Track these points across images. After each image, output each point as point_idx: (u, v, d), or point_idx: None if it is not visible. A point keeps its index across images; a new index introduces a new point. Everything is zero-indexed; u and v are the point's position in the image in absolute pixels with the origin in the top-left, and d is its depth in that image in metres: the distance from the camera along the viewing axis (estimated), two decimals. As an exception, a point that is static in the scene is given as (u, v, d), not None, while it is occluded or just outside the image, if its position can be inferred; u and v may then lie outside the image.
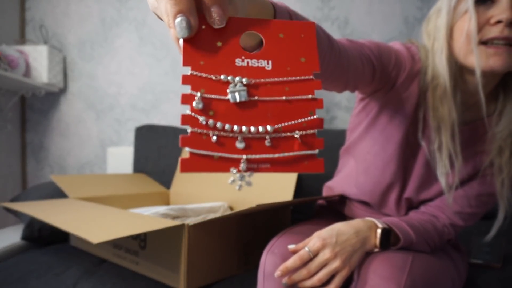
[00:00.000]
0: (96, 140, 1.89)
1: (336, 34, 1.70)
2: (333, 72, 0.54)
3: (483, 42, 0.60)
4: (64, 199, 1.14)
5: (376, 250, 0.65)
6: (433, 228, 0.71)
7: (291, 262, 0.61)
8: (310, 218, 1.05)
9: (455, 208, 0.72)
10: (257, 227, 0.97)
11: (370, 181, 0.77)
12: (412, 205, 0.78)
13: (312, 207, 1.08)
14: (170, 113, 1.88)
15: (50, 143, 1.89)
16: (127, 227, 0.78)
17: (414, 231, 0.66)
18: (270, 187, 1.10)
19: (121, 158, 1.71)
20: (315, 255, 0.61)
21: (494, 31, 0.58)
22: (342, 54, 0.54)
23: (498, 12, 0.57)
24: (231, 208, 1.19)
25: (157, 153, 1.58)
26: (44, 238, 1.13)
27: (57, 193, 1.23)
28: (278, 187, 1.09)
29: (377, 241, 0.64)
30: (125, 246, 0.93)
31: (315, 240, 0.62)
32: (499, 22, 0.57)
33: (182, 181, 1.41)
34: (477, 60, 0.59)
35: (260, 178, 1.14)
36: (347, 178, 0.84)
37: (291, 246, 0.65)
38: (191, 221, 0.96)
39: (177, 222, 0.80)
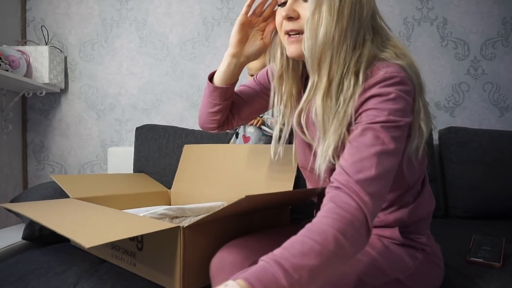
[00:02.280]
0: (96, 140, 1.89)
1: (336, 34, 1.70)
2: None
3: (288, 34, 0.72)
4: (64, 199, 1.14)
5: None
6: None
7: None
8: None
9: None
10: (254, 226, 0.96)
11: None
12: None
13: (310, 206, 1.08)
14: (170, 113, 1.89)
15: (51, 143, 1.90)
16: (122, 230, 0.78)
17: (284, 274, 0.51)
18: (270, 189, 1.11)
19: (121, 158, 1.71)
20: None
21: (285, 25, 0.72)
22: None
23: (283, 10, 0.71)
24: (231, 208, 1.19)
25: (157, 153, 1.58)
26: (45, 238, 1.13)
27: (58, 193, 1.23)
28: (278, 188, 1.09)
29: None
30: (123, 247, 0.93)
31: None
32: (286, 17, 0.71)
33: (183, 181, 1.41)
34: (286, 48, 0.74)
35: (261, 178, 1.14)
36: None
37: None
38: (189, 221, 0.96)
39: (172, 224, 0.80)
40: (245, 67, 1.20)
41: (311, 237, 0.53)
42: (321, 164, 0.68)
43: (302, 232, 0.55)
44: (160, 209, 1.00)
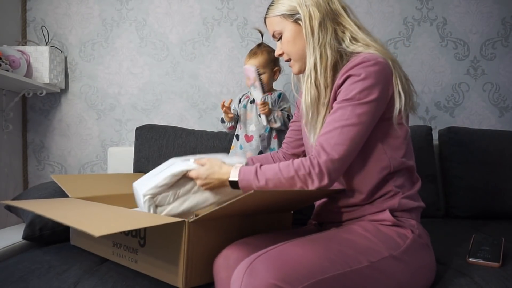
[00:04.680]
0: (97, 140, 1.89)
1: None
2: None
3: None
4: (65, 198, 1.14)
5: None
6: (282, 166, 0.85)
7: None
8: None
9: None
10: (258, 227, 0.97)
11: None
12: None
13: (311, 208, 1.09)
14: (170, 113, 1.89)
15: (51, 143, 1.90)
16: (128, 222, 0.78)
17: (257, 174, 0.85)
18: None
19: (121, 158, 1.72)
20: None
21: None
22: None
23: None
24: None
25: (157, 153, 1.58)
26: (45, 238, 1.13)
27: (58, 193, 1.23)
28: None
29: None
30: (125, 244, 0.93)
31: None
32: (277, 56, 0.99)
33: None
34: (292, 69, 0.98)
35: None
36: None
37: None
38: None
39: (177, 219, 0.80)
40: (239, 65, 1.23)
41: (280, 167, 0.84)
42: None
43: (279, 163, 0.85)
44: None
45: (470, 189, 1.53)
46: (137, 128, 1.65)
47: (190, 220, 0.80)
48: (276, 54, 0.98)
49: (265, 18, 0.97)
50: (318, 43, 0.87)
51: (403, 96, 0.85)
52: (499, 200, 1.51)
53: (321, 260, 0.70)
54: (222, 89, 1.88)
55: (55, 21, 1.88)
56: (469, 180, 1.54)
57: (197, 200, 0.97)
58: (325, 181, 0.81)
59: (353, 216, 0.90)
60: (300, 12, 0.88)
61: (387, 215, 0.85)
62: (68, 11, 1.88)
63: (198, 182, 0.93)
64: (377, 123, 0.85)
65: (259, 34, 1.50)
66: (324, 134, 0.83)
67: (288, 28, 0.91)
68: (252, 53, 1.49)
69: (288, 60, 0.96)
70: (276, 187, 0.84)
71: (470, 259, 0.95)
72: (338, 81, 0.85)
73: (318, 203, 1.02)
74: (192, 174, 0.93)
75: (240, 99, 1.55)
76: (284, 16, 0.91)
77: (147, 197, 0.93)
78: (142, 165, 1.59)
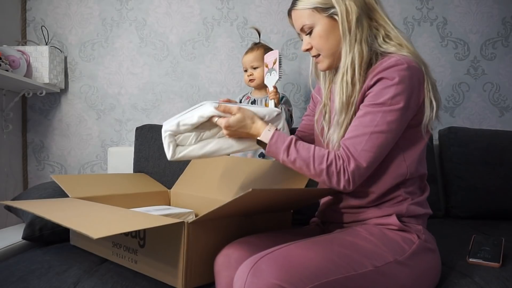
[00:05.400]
0: (97, 140, 1.89)
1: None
2: None
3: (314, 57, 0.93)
4: (65, 198, 1.14)
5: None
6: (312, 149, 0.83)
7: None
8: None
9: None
10: (257, 226, 0.97)
11: None
12: None
13: (312, 208, 1.09)
14: (170, 113, 1.89)
15: (51, 143, 1.90)
16: (127, 224, 0.78)
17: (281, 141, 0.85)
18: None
19: (121, 158, 1.71)
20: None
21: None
22: None
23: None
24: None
25: (157, 153, 1.58)
26: (45, 238, 1.13)
27: (58, 193, 1.23)
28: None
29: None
30: (124, 245, 0.93)
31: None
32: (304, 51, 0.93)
33: (186, 182, 1.41)
34: (318, 65, 0.93)
35: (268, 179, 1.14)
36: None
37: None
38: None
39: (176, 220, 0.80)
40: (239, 65, 1.20)
41: (315, 153, 0.81)
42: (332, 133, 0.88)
43: (315, 148, 0.83)
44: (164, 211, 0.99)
45: (470, 189, 1.53)
46: (137, 128, 1.64)
47: (189, 221, 0.80)
48: (302, 49, 0.92)
49: (290, 10, 0.91)
50: (356, 40, 0.82)
51: (435, 104, 0.82)
52: (499, 200, 1.51)
53: (325, 263, 0.70)
54: (222, 89, 1.88)
55: (55, 21, 1.88)
56: (469, 180, 1.54)
57: (221, 145, 0.91)
58: (350, 188, 0.80)
59: (358, 219, 0.89)
60: (337, 6, 0.83)
61: (393, 219, 0.84)
62: (68, 11, 1.88)
63: (225, 131, 0.89)
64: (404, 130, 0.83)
65: (260, 34, 1.51)
66: (352, 138, 0.80)
67: (321, 23, 0.85)
68: (249, 49, 1.52)
69: (316, 56, 0.91)
70: (301, 170, 0.83)
71: (470, 259, 0.95)
72: (369, 82, 0.81)
73: (323, 201, 1.01)
74: (221, 122, 0.88)
75: (241, 100, 1.55)
76: (316, 9, 0.85)
77: (167, 133, 0.88)
78: (142, 165, 1.59)
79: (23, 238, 1.12)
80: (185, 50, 1.88)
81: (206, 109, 0.88)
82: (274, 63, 1.32)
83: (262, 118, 0.92)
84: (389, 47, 0.84)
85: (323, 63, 0.90)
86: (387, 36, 0.85)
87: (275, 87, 1.34)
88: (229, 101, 0.98)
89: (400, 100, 0.78)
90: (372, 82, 0.81)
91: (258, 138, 0.88)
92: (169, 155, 0.90)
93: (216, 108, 0.88)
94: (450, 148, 1.60)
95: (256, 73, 1.50)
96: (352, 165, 0.78)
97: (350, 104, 0.84)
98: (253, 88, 1.57)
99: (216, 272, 0.81)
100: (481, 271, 0.89)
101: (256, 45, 1.52)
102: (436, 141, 1.68)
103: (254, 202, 0.82)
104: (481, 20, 1.85)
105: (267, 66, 1.36)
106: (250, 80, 1.52)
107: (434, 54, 1.86)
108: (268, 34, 1.84)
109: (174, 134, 0.89)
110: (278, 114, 0.97)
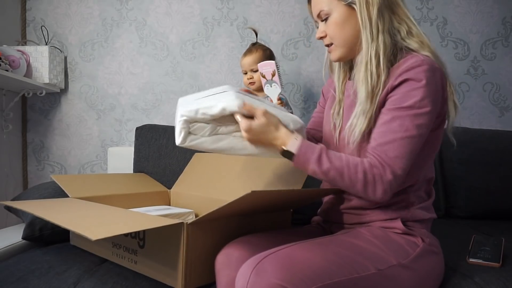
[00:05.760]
0: (97, 140, 1.89)
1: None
2: None
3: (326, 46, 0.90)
4: (65, 198, 1.14)
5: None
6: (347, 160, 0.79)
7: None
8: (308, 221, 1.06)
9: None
10: (257, 226, 0.97)
11: None
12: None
13: (312, 208, 1.08)
14: (170, 113, 1.89)
15: (51, 143, 1.90)
16: (126, 225, 0.78)
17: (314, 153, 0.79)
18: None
19: (121, 158, 1.71)
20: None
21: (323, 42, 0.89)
22: None
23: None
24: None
25: (157, 153, 1.58)
26: (45, 238, 1.13)
27: (58, 193, 1.23)
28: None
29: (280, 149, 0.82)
30: (124, 245, 0.93)
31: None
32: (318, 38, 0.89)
33: (186, 182, 1.41)
34: (330, 55, 0.90)
35: (269, 184, 1.14)
36: None
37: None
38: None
39: (176, 221, 0.80)
40: (239, 65, 1.18)
41: (349, 162, 0.77)
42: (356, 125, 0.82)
43: (346, 156, 0.79)
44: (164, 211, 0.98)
45: (470, 189, 1.53)
46: (137, 128, 1.64)
47: (188, 222, 0.80)
48: (317, 36, 0.89)
49: None
50: (378, 30, 0.80)
51: (458, 106, 0.82)
52: (499, 200, 1.51)
53: (329, 265, 0.69)
54: (222, 89, 1.87)
55: (55, 21, 1.88)
56: (469, 180, 1.54)
57: (234, 144, 0.84)
58: (386, 198, 0.78)
59: (361, 221, 0.88)
60: None
61: (398, 223, 0.83)
62: (68, 11, 1.88)
63: (245, 134, 0.80)
64: None
65: (260, 33, 1.50)
66: (382, 144, 0.77)
67: (338, 10, 0.83)
68: (247, 51, 1.50)
69: (329, 45, 0.88)
70: (333, 181, 0.79)
71: (470, 259, 0.95)
72: (393, 82, 0.79)
73: (326, 199, 0.99)
74: (243, 125, 0.79)
75: None
76: None
77: (183, 118, 0.81)
78: (142, 165, 1.59)
79: (23, 238, 1.12)
80: (185, 50, 1.88)
81: (230, 104, 0.79)
82: (273, 75, 1.30)
83: (286, 126, 0.85)
84: (412, 43, 0.81)
85: (335, 53, 0.87)
86: (409, 32, 0.82)
87: (279, 99, 1.33)
88: (250, 92, 0.91)
89: (428, 103, 0.76)
90: (396, 83, 0.78)
91: (284, 148, 0.81)
92: (178, 140, 0.82)
93: (242, 107, 0.80)
94: (450, 148, 1.60)
95: (256, 76, 1.49)
96: (388, 173, 0.75)
97: (374, 95, 0.80)
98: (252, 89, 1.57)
99: (216, 271, 0.81)
100: (481, 271, 0.89)
101: (254, 47, 1.51)
102: (436, 141, 1.68)
103: (253, 203, 0.82)
104: (481, 20, 1.85)
105: (264, 77, 1.34)
106: (250, 83, 1.51)
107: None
108: (268, 34, 1.84)
109: (190, 121, 0.81)
110: (302, 127, 0.90)
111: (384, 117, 0.79)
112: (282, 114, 0.87)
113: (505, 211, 1.51)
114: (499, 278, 0.85)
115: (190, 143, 0.82)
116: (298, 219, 1.20)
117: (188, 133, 0.82)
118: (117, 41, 1.88)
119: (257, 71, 1.45)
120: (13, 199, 1.33)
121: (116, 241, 0.95)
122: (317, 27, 0.89)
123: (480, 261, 0.94)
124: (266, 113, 0.81)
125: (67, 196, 1.15)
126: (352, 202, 0.89)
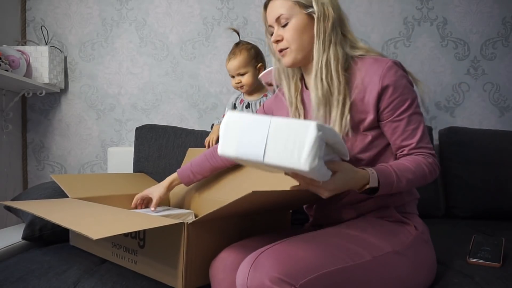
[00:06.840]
0: (96, 140, 1.89)
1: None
2: None
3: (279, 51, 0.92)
4: (65, 199, 1.14)
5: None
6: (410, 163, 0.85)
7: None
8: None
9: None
10: (257, 227, 0.97)
11: None
12: None
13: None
14: (170, 113, 1.89)
15: (51, 143, 1.90)
16: (126, 225, 0.78)
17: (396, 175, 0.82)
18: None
19: (121, 158, 1.71)
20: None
21: (276, 46, 0.92)
22: None
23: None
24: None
25: (157, 153, 1.58)
26: (45, 238, 1.13)
27: (58, 193, 1.23)
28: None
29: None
30: (124, 245, 0.93)
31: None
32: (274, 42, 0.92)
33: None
34: (283, 60, 0.92)
35: (267, 179, 1.14)
36: None
37: None
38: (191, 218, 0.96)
39: (176, 220, 0.80)
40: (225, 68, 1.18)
41: (413, 165, 0.83)
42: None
43: (402, 160, 0.85)
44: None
45: (470, 189, 1.53)
46: (137, 128, 1.64)
47: (188, 222, 0.80)
48: (272, 39, 0.91)
49: (269, 0, 0.92)
50: (330, 42, 0.87)
51: (419, 80, 0.93)
52: (499, 200, 1.51)
53: (324, 254, 0.71)
54: (222, 89, 1.88)
55: (55, 21, 1.88)
56: (469, 180, 1.54)
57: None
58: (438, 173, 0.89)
59: (356, 214, 0.90)
60: (315, 8, 0.86)
61: (391, 211, 0.87)
62: (67, 11, 1.88)
63: (326, 194, 0.73)
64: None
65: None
66: (415, 141, 0.86)
67: (299, 17, 0.87)
68: (231, 54, 1.40)
69: (283, 49, 0.90)
70: (411, 186, 0.86)
71: (471, 259, 0.95)
72: (377, 87, 0.85)
73: (314, 208, 1.00)
74: (327, 190, 0.73)
75: (234, 103, 1.48)
76: (298, 3, 0.87)
77: (320, 134, 0.63)
78: (142, 165, 1.59)
79: (23, 238, 1.12)
80: (185, 50, 1.88)
81: (300, 168, 0.63)
82: None
83: (346, 159, 0.79)
84: (359, 51, 0.90)
85: (289, 57, 0.90)
86: (353, 47, 0.91)
87: None
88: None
89: (413, 92, 0.88)
90: (380, 88, 0.85)
91: (370, 186, 0.77)
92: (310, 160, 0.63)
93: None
94: (450, 148, 1.60)
95: (244, 80, 1.39)
96: (432, 157, 0.87)
97: (332, 100, 0.87)
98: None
99: (211, 275, 0.82)
100: (481, 271, 0.89)
101: (238, 48, 1.40)
102: (436, 141, 1.68)
103: (254, 203, 0.82)
104: (481, 20, 1.85)
105: (271, 84, 1.18)
106: (239, 87, 1.42)
107: (434, 54, 1.86)
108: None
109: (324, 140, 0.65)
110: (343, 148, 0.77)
111: (397, 123, 0.87)
112: (339, 143, 0.73)
113: (505, 211, 1.51)
114: (500, 278, 0.85)
115: (313, 165, 0.64)
116: (298, 219, 1.20)
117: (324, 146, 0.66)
118: (117, 41, 1.88)
119: (244, 74, 1.38)
120: (13, 199, 1.33)
121: (116, 241, 0.95)
122: (270, 34, 0.94)
123: (480, 261, 0.94)
124: (339, 164, 0.74)
125: (67, 196, 1.15)
126: (344, 199, 0.91)
